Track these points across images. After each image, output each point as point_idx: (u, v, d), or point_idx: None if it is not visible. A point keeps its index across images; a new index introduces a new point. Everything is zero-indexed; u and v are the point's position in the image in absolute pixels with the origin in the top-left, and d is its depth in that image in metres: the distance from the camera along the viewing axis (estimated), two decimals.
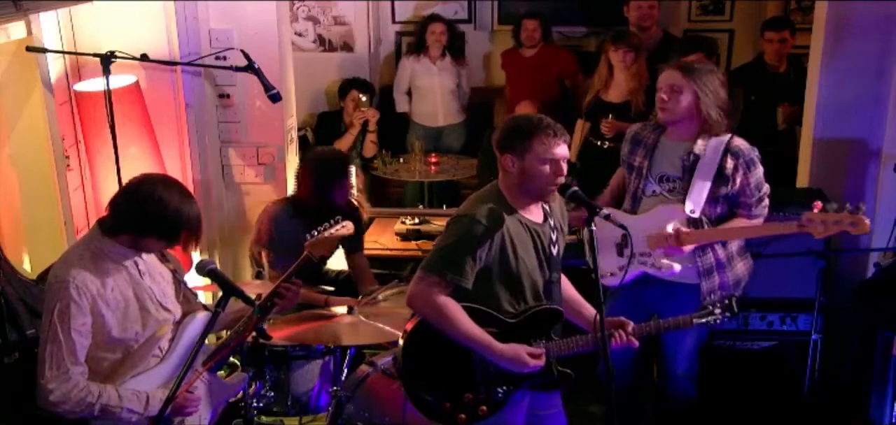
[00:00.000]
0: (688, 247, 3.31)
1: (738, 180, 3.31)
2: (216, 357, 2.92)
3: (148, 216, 2.68)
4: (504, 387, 2.88)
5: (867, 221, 3.00)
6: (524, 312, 2.86)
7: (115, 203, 2.75)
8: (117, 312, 2.69)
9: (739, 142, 3.34)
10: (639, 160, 3.47)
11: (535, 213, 2.89)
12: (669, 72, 3.36)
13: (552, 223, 2.93)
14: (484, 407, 2.85)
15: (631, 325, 2.93)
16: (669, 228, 3.31)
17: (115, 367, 2.74)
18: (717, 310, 3.06)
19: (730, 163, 3.29)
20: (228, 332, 3.07)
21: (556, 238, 2.94)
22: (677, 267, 3.36)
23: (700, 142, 3.31)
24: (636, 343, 2.93)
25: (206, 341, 2.91)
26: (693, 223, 3.33)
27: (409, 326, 2.90)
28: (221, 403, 3.07)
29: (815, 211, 3.07)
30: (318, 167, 4.00)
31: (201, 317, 2.93)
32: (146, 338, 2.78)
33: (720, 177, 3.30)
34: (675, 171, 3.38)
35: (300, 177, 4.08)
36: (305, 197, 3.99)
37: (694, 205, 3.30)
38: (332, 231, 3.37)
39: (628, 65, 4.99)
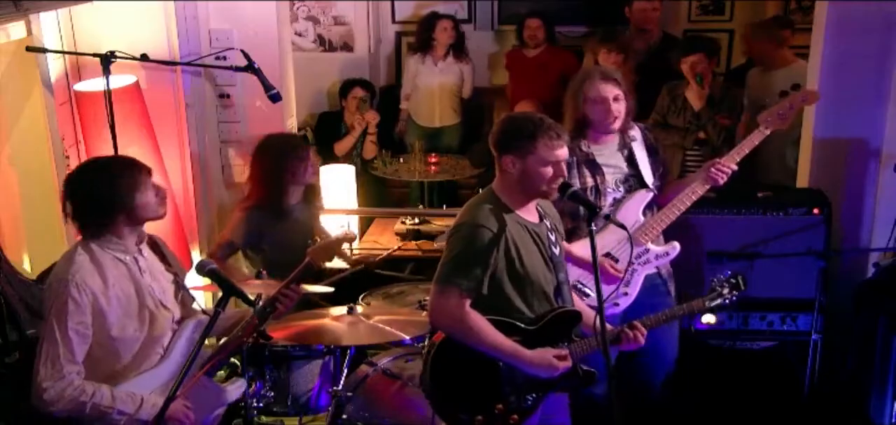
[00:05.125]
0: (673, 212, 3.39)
1: (659, 151, 3.57)
2: (214, 360, 2.91)
3: (94, 203, 2.69)
4: (533, 395, 2.89)
5: (816, 89, 3.22)
6: (544, 317, 2.85)
7: (67, 211, 2.73)
8: (118, 310, 2.69)
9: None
10: (590, 179, 3.39)
11: (531, 213, 2.89)
12: (607, 85, 3.34)
13: (548, 223, 2.94)
14: (515, 416, 2.83)
15: (638, 325, 2.93)
16: (641, 216, 3.40)
17: (116, 366, 2.74)
18: (726, 290, 3.10)
19: (652, 137, 3.55)
20: (225, 338, 3.05)
21: (555, 238, 2.95)
22: (676, 245, 3.43)
23: (630, 131, 3.46)
24: (642, 340, 2.92)
25: (205, 345, 2.90)
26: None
27: (436, 339, 2.88)
28: (219, 407, 3.04)
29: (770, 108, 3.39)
30: (267, 154, 3.91)
31: (200, 320, 2.92)
32: (146, 337, 2.77)
33: (654, 153, 3.50)
34: (624, 167, 3.44)
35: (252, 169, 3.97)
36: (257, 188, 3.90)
37: (650, 180, 3.43)
38: (334, 237, 3.35)
39: (618, 65, 4.99)
